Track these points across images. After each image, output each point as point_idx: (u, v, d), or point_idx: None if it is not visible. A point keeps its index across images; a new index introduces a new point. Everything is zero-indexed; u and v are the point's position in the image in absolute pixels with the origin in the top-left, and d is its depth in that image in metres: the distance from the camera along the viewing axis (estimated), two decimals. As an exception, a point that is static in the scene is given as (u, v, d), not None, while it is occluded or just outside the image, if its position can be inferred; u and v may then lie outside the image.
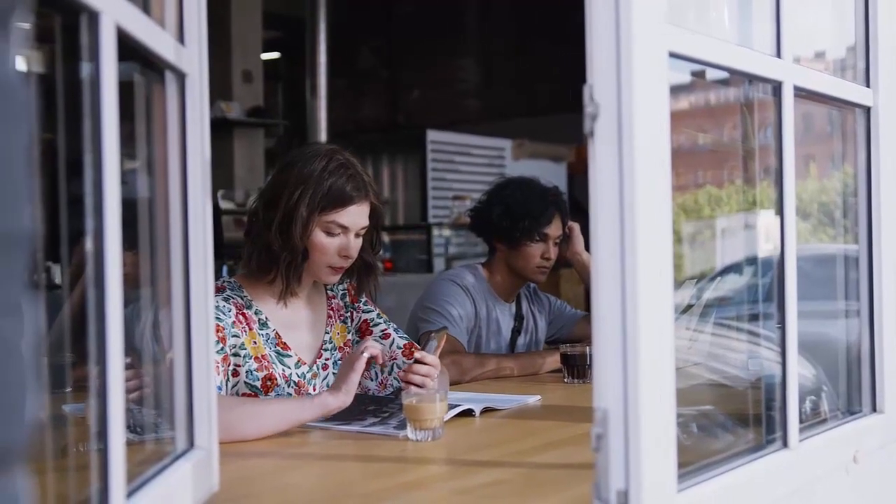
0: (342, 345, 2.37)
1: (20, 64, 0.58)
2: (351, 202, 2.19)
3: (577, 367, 2.66)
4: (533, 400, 2.35)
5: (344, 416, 2.05)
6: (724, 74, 1.57)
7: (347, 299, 2.42)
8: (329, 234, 2.19)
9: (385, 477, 1.64)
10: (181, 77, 1.35)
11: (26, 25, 0.60)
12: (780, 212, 1.53)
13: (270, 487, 1.61)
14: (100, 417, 1.01)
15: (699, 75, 1.52)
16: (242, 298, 2.23)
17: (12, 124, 0.56)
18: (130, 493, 1.10)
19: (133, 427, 1.32)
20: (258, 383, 2.17)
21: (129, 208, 1.12)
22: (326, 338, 2.34)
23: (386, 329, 2.40)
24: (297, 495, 1.58)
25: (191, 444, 1.37)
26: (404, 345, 2.36)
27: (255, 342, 2.19)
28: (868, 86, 1.81)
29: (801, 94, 1.58)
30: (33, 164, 0.59)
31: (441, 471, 1.72)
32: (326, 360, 2.33)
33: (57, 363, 1.59)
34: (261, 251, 2.20)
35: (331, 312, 2.38)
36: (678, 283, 1.29)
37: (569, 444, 1.87)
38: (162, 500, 1.19)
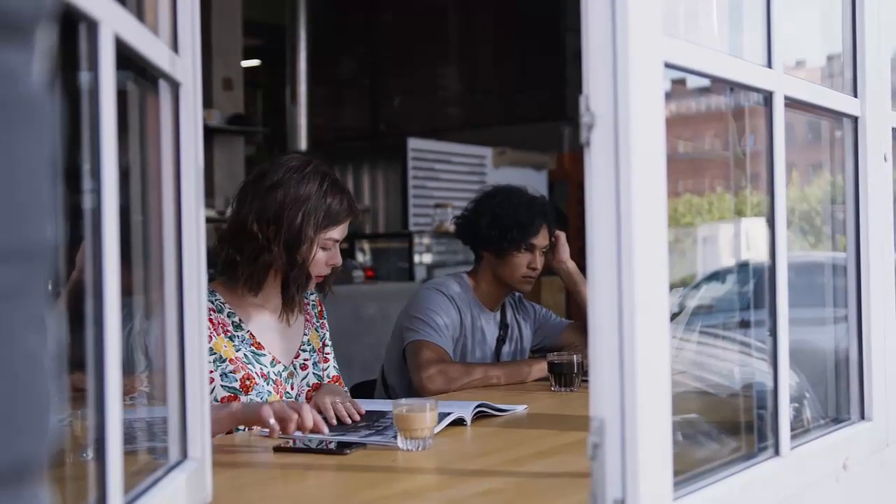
0: (318, 349, 2.47)
1: (44, 75, 0.58)
2: (347, 219, 2.33)
3: (565, 376, 2.66)
4: (521, 409, 2.35)
5: (338, 429, 2.05)
6: (704, 82, 1.58)
7: (316, 311, 2.52)
8: (323, 249, 2.30)
9: (377, 487, 1.64)
10: (175, 86, 1.34)
11: (50, 36, 0.60)
12: (771, 220, 1.54)
13: (262, 498, 1.60)
14: (98, 428, 1.00)
15: (679, 83, 1.52)
16: (213, 302, 2.27)
17: (37, 137, 0.56)
18: (126, 505, 1.09)
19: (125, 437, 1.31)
20: (237, 384, 2.22)
21: (122, 216, 1.11)
22: (305, 339, 2.42)
23: (329, 354, 2.52)
24: (289, 506, 1.57)
25: (184, 455, 1.36)
26: (334, 376, 2.48)
27: (225, 346, 2.24)
28: (855, 95, 1.83)
29: (791, 103, 1.60)
30: (56, 177, 0.59)
31: (433, 480, 1.72)
32: (305, 360, 2.41)
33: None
34: (262, 269, 2.26)
35: (307, 317, 2.47)
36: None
37: (560, 452, 1.88)
38: (157, 511, 1.18)
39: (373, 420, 2.14)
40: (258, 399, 2.22)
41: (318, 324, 2.50)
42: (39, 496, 0.56)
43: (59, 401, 0.61)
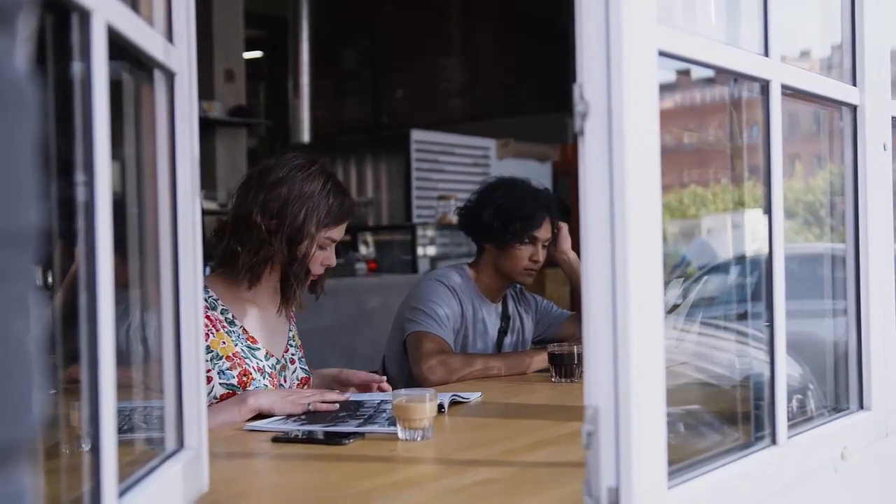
0: (299, 345, 2.52)
1: (25, 62, 0.58)
2: (346, 220, 2.36)
3: (565, 367, 2.66)
4: (475, 397, 2.37)
5: (322, 420, 2.04)
6: (708, 73, 1.58)
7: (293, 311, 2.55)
8: (321, 248, 2.33)
9: (375, 477, 1.64)
10: (170, 76, 1.34)
11: (31, 23, 0.60)
12: (768, 210, 1.54)
13: (260, 488, 1.60)
14: (92, 418, 1.01)
15: (684, 74, 1.52)
16: (206, 300, 2.29)
17: (19, 123, 0.56)
18: (121, 494, 1.09)
19: (121, 427, 1.31)
20: (234, 380, 2.25)
21: (117, 209, 1.11)
22: (290, 335, 2.47)
23: (301, 355, 2.52)
24: (286, 495, 1.58)
25: (181, 444, 1.37)
26: (302, 377, 2.47)
27: (223, 342, 2.27)
28: (854, 84, 1.82)
29: (789, 92, 1.59)
30: (39, 163, 0.59)
31: (431, 470, 1.72)
32: (292, 355, 2.46)
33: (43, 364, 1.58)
34: (262, 262, 2.29)
35: (292, 315, 2.51)
36: (664, 283, 1.29)
37: (558, 442, 1.88)
38: (152, 500, 1.19)
39: (353, 409, 2.15)
40: None
41: (295, 322, 2.56)
42: (22, 479, 0.57)
43: (45, 385, 0.62)
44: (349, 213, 2.37)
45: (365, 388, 2.44)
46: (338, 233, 2.35)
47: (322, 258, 2.34)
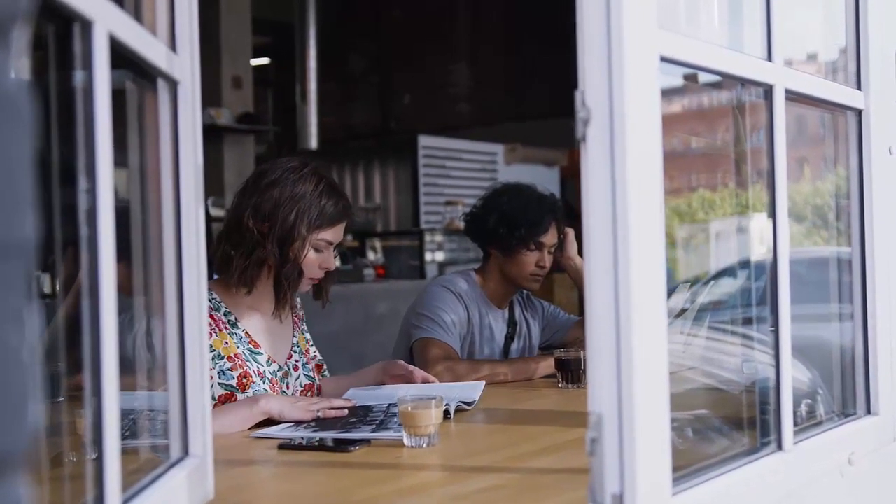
0: (305, 350, 2.50)
1: (21, 73, 0.58)
2: (341, 221, 2.35)
3: (571, 372, 2.65)
4: (479, 388, 2.40)
5: (333, 427, 2.04)
6: (715, 78, 1.58)
7: (301, 314, 2.56)
8: (316, 250, 2.33)
9: (381, 483, 1.64)
10: (173, 85, 1.35)
11: (26, 34, 0.61)
12: (773, 214, 1.54)
13: (265, 495, 1.60)
14: (95, 427, 1.01)
15: (691, 79, 1.52)
16: (210, 301, 2.29)
17: (14, 133, 0.56)
18: (125, 502, 1.10)
19: (125, 434, 1.32)
20: (234, 382, 2.25)
21: (121, 217, 1.12)
22: (294, 341, 2.47)
23: (315, 354, 2.56)
24: (292, 503, 1.58)
25: (185, 452, 1.37)
26: (306, 384, 2.48)
27: (226, 342, 2.28)
28: (859, 88, 1.82)
29: (793, 97, 1.59)
30: (35, 174, 0.59)
31: (437, 477, 1.72)
32: (296, 361, 2.45)
33: (50, 372, 1.59)
34: (255, 265, 2.29)
35: (296, 320, 2.51)
36: (672, 288, 1.29)
37: (564, 448, 1.87)
38: (157, 508, 1.19)
39: (363, 416, 2.14)
40: None
41: (303, 327, 2.55)
42: (17, 489, 0.57)
43: (41, 396, 0.62)
44: (344, 214, 2.35)
45: (406, 380, 2.46)
46: (332, 235, 2.34)
47: (320, 261, 2.33)
